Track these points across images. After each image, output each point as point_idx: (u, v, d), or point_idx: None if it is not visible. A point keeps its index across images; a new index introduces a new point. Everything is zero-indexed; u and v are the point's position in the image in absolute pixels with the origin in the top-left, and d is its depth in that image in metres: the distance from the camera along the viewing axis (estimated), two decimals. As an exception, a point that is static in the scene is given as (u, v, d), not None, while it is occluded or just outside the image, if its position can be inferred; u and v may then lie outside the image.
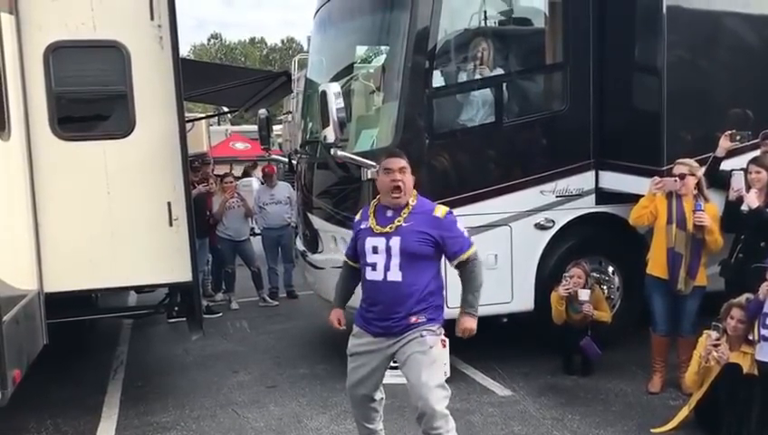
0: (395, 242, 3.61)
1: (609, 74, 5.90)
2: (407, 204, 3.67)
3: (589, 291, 5.63)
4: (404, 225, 3.63)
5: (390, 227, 3.63)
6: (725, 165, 5.44)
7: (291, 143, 14.37)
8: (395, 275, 3.60)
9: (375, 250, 3.66)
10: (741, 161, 5.45)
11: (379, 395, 3.89)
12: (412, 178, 3.71)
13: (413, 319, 3.61)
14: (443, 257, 3.75)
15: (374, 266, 3.66)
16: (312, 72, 7.27)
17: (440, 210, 3.69)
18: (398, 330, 3.63)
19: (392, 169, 3.65)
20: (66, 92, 5.05)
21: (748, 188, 5.04)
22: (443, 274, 3.80)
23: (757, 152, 5.45)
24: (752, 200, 4.93)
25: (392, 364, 3.84)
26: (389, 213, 3.69)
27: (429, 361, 3.58)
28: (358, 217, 3.89)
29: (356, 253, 3.83)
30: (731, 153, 5.46)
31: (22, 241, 4.79)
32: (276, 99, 13.43)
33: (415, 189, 3.75)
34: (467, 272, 3.71)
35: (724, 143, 5.35)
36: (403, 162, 3.68)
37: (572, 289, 5.60)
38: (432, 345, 3.61)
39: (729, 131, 5.34)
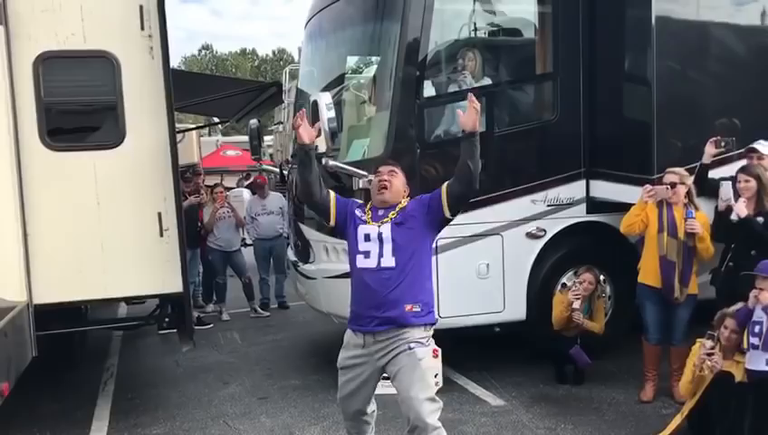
0: (386, 228, 3.67)
1: (599, 84, 5.92)
2: (397, 204, 3.74)
3: (579, 299, 5.63)
4: (395, 218, 3.71)
5: (384, 220, 3.71)
6: (716, 173, 5.47)
7: (282, 153, 14.41)
8: (389, 260, 3.63)
9: (367, 238, 3.70)
10: (730, 170, 5.49)
11: (371, 408, 3.90)
12: (403, 182, 3.82)
13: (407, 307, 3.60)
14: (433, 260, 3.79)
15: (367, 254, 3.68)
16: (303, 83, 7.27)
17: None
18: (394, 316, 3.57)
19: (382, 171, 3.81)
20: (56, 103, 5.02)
21: (737, 197, 5.06)
22: (434, 280, 3.81)
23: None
24: (740, 209, 4.94)
25: (384, 375, 3.82)
26: (381, 212, 3.77)
27: (419, 374, 3.57)
28: (357, 202, 3.96)
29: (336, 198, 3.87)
30: (720, 162, 5.50)
31: (10, 252, 4.75)
32: (267, 109, 13.44)
33: (409, 197, 3.83)
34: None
35: (710, 150, 5.39)
36: (394, 167, 3.84)
37: (583, 295, 5.59)
38: (421, 358, 3.59)
39: (714, 138, 5.39)
